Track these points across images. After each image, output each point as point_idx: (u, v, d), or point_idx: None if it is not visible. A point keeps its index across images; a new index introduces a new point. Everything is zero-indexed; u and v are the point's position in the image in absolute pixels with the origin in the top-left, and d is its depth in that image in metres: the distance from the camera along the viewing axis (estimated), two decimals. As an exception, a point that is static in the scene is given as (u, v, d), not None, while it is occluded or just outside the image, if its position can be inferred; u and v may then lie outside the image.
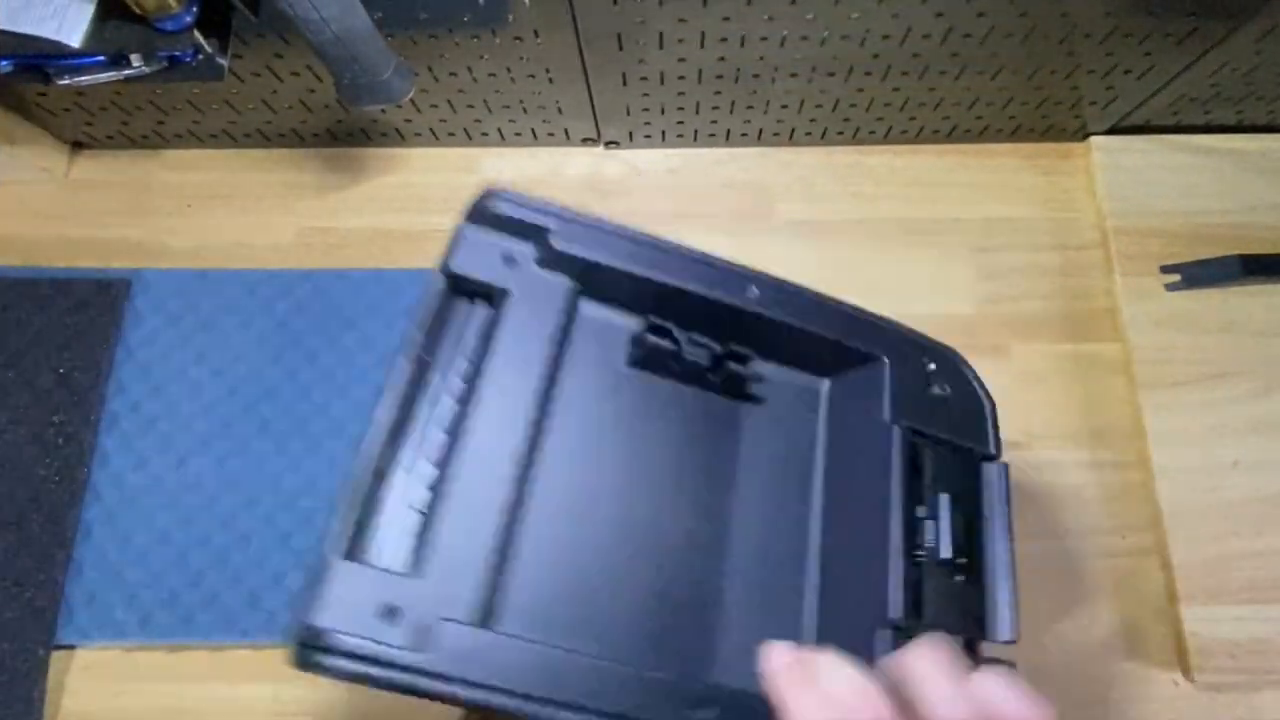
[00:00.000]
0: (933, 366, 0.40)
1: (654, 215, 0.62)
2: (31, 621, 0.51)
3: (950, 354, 0.41)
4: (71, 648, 0.52)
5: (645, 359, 0.38)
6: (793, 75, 0.55)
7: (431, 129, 0.62)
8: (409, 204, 0.63)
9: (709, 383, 0.39)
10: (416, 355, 0.34)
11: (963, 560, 0.36)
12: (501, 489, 0.34)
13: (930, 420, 0.38)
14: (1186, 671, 0.52)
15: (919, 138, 0.64)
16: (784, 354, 0.41)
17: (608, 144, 0.64)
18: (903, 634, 0.34)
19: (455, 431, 0.34)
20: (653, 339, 0.38)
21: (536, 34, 0.50)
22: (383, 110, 0.58)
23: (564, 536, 0.35)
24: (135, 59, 0.42)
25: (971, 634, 0.36)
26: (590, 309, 0.39)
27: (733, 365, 0.39)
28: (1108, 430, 0.57)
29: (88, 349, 0.56)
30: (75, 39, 0.40)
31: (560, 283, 0.37)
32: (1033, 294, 0.61)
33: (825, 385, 0.42)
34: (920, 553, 0.36)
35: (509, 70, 0.54)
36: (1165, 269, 0.60)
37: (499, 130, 0.62)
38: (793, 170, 0.64)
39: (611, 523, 0.36)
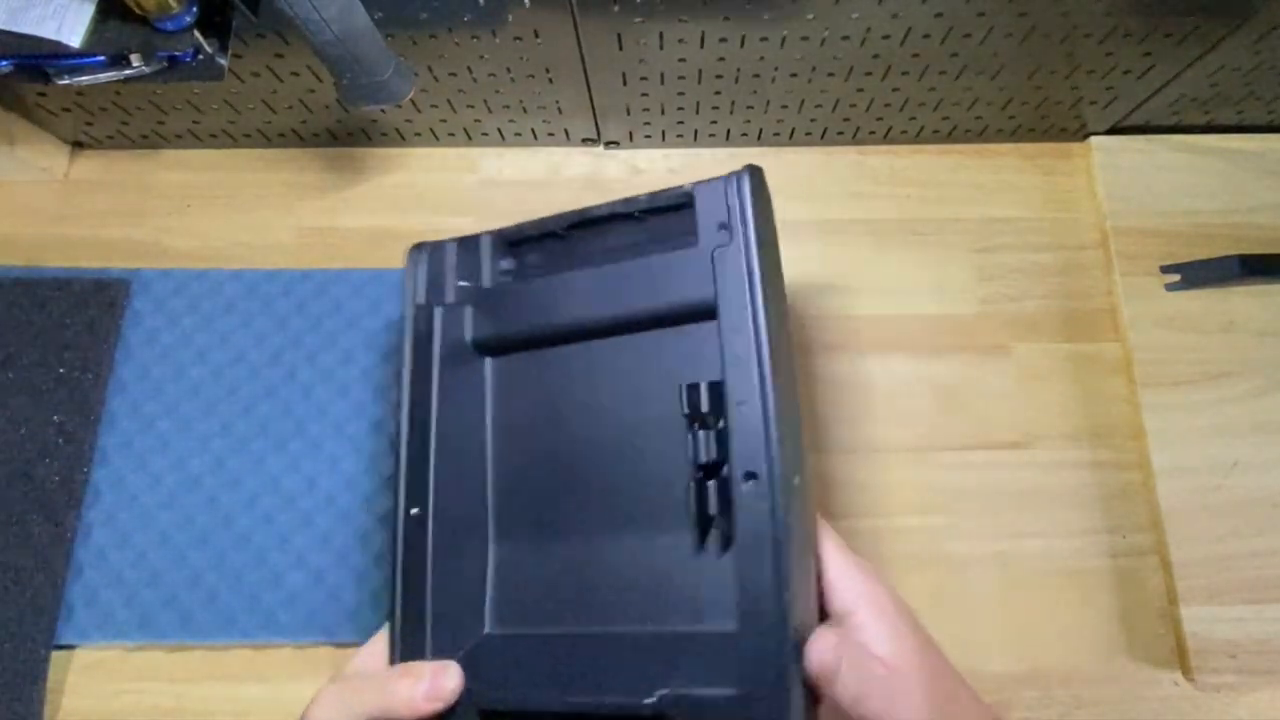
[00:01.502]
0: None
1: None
2: (31, 621, 0.51)
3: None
4: (71, 648, 0.52)
5: None
6: (793, 75, 0.55)
7: (431, 129, 0.62)
8: (409, 204, 0.63)
9: None
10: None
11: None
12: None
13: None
14: (1186, 671, 0.52)
15: (919, 138, 0.64)
16: None
17: (608, 144, 0.64)
18: None
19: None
20: None
21: (536, 34, 0.50)
22: (383, 110, 0.58)
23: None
24: (135, 59, 0.42)
25: None
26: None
27: None
28: (1108, 430, 0.57)
29: (88, 349, 0.56)
30: (75, 39, 0.40)
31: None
32: (1033, 294, 0.61)
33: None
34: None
35: (509, 70, 0.54)
36: (1165, 269, 0.60)
37: (499, 130, 0.62)
38: (793, 170, 0.64)
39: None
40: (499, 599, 0.42)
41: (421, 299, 0.43)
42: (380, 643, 0.40)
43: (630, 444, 0.41)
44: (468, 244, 0.44)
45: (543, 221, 0.43)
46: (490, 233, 0.44)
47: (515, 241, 0.44)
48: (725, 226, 0.39)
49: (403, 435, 0.41)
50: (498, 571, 0.42)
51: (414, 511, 0.40)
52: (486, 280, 0.44)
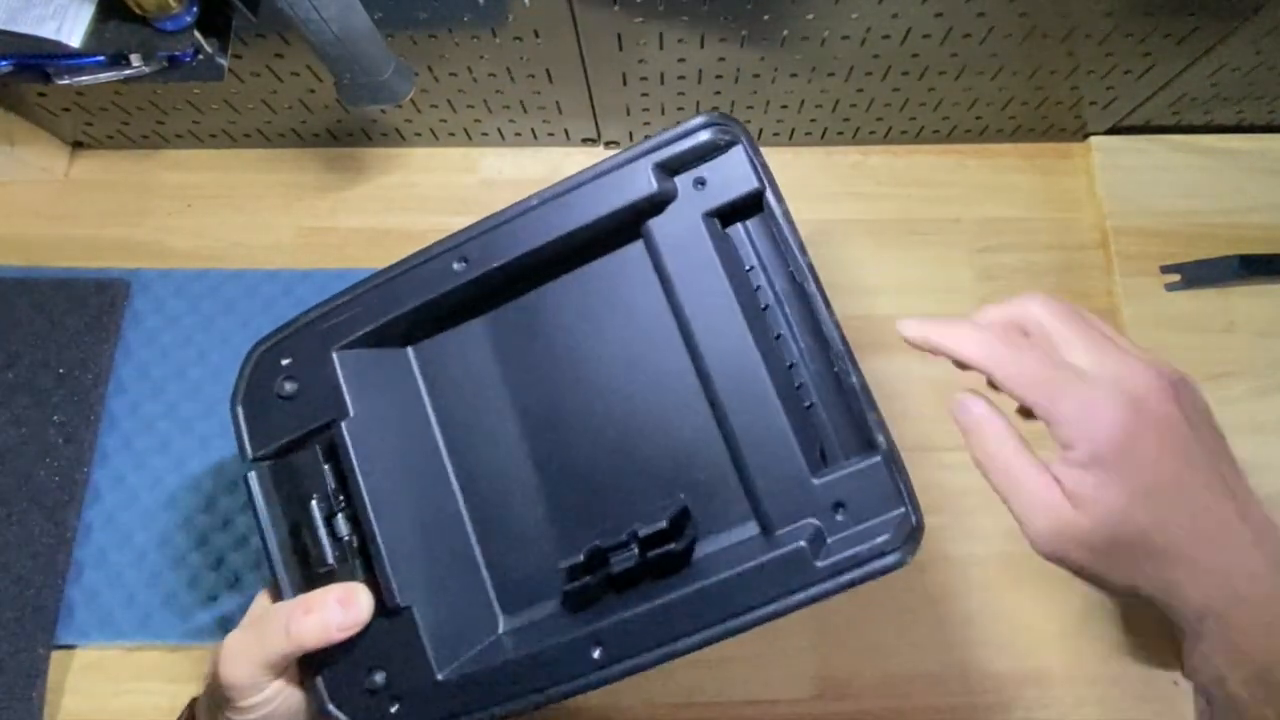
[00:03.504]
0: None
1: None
2: (31, 621, 0.51)
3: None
4: (71, 648, 0.52)
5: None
6: (793, 75, 0.55)
7: (431, 129, 0.62)
8: (409, 204, 0.63)
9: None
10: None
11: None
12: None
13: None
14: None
15: (919, 138, 0.64)
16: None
17: (608, 144, 0.64)
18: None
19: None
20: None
21: (536, 34, 0.50)
22: (383, 110, 0.58)
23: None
24: (135, 59, 0.42)
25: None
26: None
27: None
28: (1108, 430, 0.57)
29: (88, 349, 0.56)
30: (75, 39, 0.40)
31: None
32: (1033, 294, 0.60)
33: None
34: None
35: (509, 70, 0.54)
36: (1165, 269, 0.60)
37: (499, 130, 0.62)
38: (793, 170, 0.64)
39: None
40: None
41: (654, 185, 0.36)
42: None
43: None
44: None
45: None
46: None
47: None
48: None
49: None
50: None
51: None
52: None
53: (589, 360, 0.39)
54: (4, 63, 0.42)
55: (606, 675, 0.33)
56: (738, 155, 0.36)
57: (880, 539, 0.32)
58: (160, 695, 0.51)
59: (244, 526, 0.54)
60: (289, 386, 0.37)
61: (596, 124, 0.61)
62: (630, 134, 0.62)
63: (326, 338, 0.37)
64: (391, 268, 0.38)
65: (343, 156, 0.64)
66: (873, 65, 0.54)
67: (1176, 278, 0.59)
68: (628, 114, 0.60)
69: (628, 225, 0.37)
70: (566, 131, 0.62)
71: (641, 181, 0.35)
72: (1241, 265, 0.57)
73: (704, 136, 0.35)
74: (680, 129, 0.35)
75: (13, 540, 0.52)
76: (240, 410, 0.38)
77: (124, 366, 0.57)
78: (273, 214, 0.62)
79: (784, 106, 0.59)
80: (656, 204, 0.36)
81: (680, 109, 0.59)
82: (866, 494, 0.34)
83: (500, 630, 0.38)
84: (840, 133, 0.63)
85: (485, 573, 0.39)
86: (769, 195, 0.36)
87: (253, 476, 0.37)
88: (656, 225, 0.37)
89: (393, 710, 0.35)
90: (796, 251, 0.35)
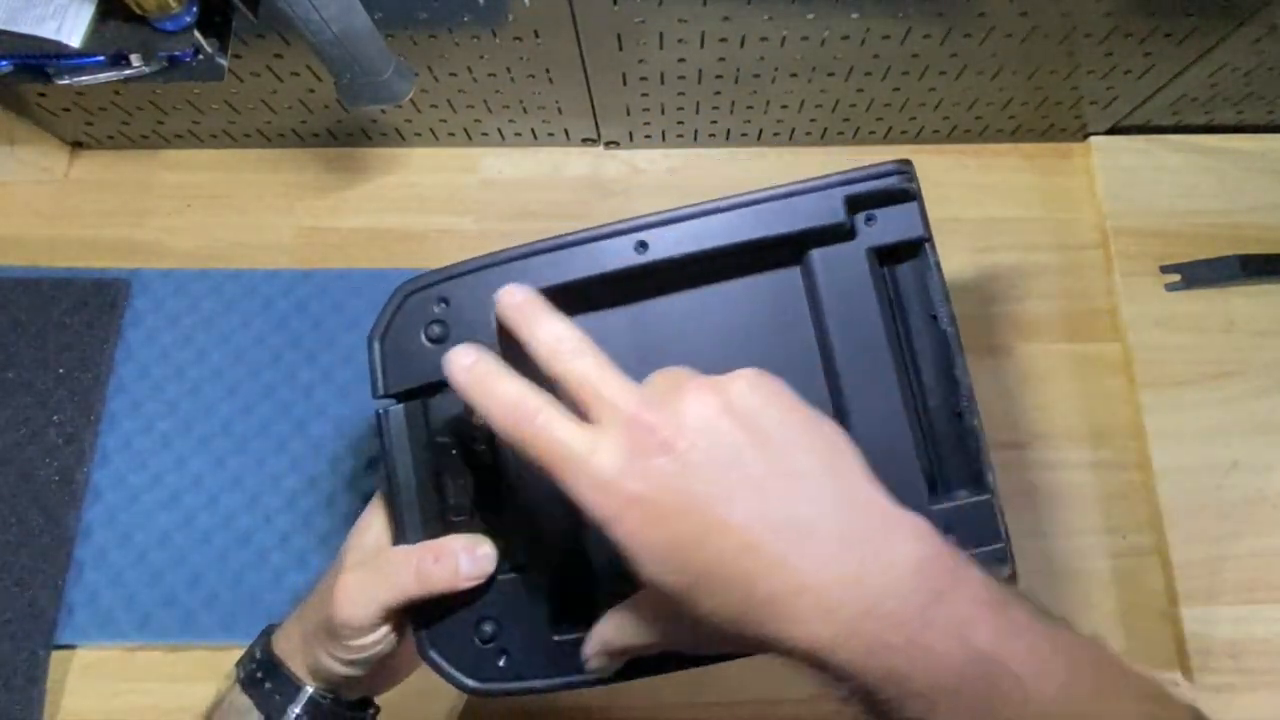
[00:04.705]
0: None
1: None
2: (31, 621, 0.51)
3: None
4: (71, 648, 0.52)
5: None
6: (793, 75, 0.55)
7: (431, 129, 0.62)
8: (409, 204, 0.63)
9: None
10: None
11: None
12: None
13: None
14: (1186, 672, 0.52)
15: (919, 138, 0.64)
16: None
17: (608, 144, 0.64)
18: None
19: None
20: None
21: (536, 34, 0.50)
22: (383, 110, 0.58)
23: None
24: (135, 59, 0.42)
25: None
26: None
27: None
28: (1108, 430, 0.57)
29: (88, 349, 0.56)
30: (75, 39, 0.40)
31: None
32: (1033, 294, 0.60)
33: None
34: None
35: (509, 70, 0.54)
36: (1165, 269, 0.60)
37: (499, 130, 0.62)
38: (793, 170, 0.63)
39: None
40: None
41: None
42: (378, 520, 0.38)
43: None
44: None
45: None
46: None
47: None
48: None
49: None
50: None
51: None
52: None
53: (720, 364, 0.40)
54: (4, 63, 0.42)
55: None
56: (911, 203, 0.39)
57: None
58: (160, 695, 0.51)
59: (245, 526, 0.54)
60: (438, 330, 0.38)
61: (596, 124, 0.61)
62: (630, 134, 0.62)
63: (489, 290, 0.37)
64: (564, 237, 0.38)
65: (343, 156, 0.64)
66: (873, 65, 0.54)
67: (1176, 278, 0.59)
68: (628, 114, 0.60)
69: (797, 247, 0.39)
70: (566, 131, 0.62)
71: (834, 210, 0.38)
72: (1241, 265, 0.57)
73: (892, 182, 0.39)
74: (873, 169, 0.39)
75: (13, 540, 0.52)
76: (378, 346, 0.38)
77: (124, 366, 0.57)
78: (273, 214, 0.62)
79: (784, 106, 0.59)
80: (837, 234, 0.39)
81: (680, 109, 0.59)
82: (972, 527, 0.36)
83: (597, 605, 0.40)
84: (840, 133, 0.63)
85: (590, 545, 0.40)
86: (928, 246, 0.39)
87: (390, 414, 0.38)
88: (822, 251, 0.39)
89: (500, 664, 0.36)
90: (944, 299, 0.38)
